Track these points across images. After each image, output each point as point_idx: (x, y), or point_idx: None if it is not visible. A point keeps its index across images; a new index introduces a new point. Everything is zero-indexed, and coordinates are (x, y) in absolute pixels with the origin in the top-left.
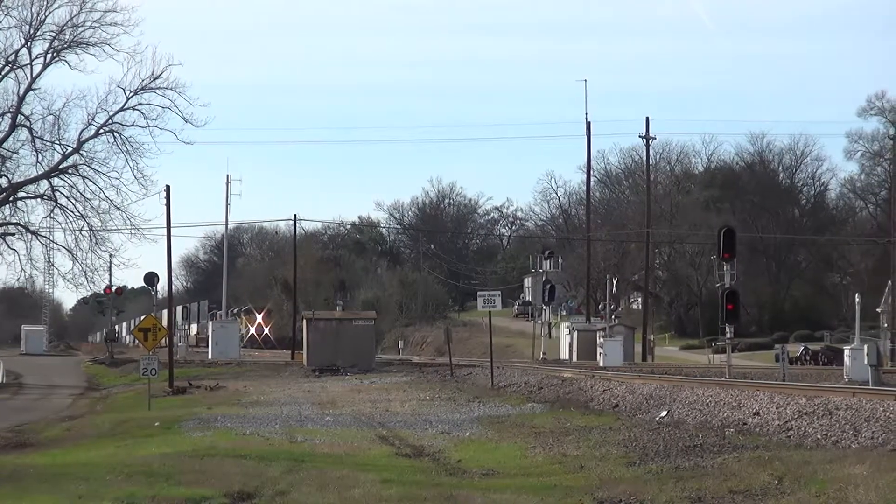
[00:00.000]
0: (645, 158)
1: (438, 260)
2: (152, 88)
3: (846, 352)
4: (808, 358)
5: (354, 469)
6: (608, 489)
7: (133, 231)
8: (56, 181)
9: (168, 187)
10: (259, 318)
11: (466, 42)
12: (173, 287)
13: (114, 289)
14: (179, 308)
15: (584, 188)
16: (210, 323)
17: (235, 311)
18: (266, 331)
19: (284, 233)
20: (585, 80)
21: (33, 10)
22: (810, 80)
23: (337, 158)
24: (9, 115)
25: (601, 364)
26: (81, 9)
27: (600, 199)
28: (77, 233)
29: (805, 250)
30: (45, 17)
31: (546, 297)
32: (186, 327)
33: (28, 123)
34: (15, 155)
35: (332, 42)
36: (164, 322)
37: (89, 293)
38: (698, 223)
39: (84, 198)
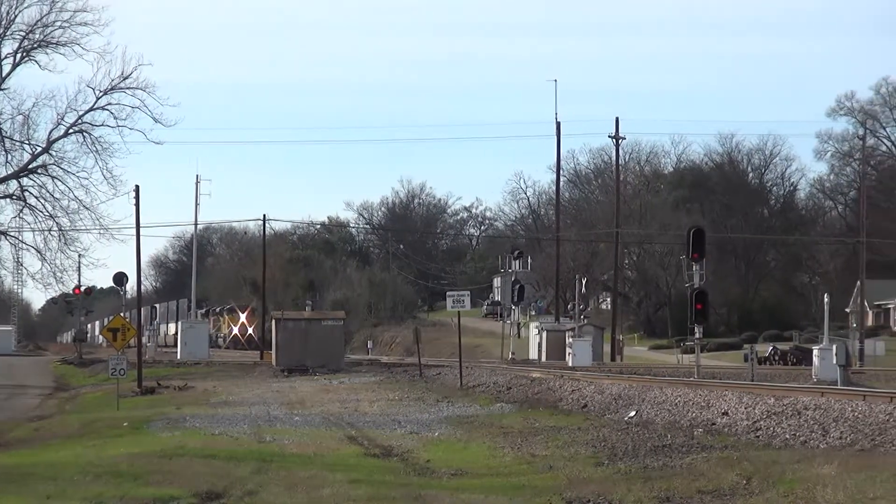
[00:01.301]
0: (614, 158)
1: (408, 260)
2: (122, 88)
3: (815, 352)
4: (776, 358)
5: (323, 469)
6: (577, 489)
7: (102, 231)
8: (25, 181)
9: (137, 187)
10: (243, 317)
11: (436, 42)
12: (142, 287)
13: (83, 289)
14: (152, 307)
15: (554, 188)
16: (179, 323)
17: (218, 309)
18: (250, 330)
19: (254, 233)
20: (555, 80)
21: (3, 9)
22: (780, 80)
23: (306, 158)
24: None
25: (570, 364)
26: (52, 8)
27: (570, 199)
28: (46, 233)
29: (774, 250)
30: (15, 16)
31: (515, 297)
32: (156, 327)
33: None
34: None
35: (301, 42)
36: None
37: (58, 293)
38: (667, 223)
39: (53, 198)
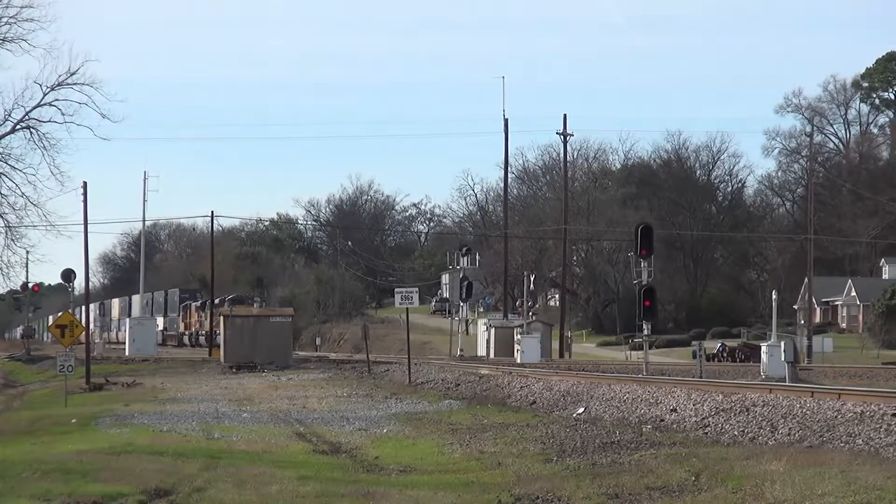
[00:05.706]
0: (562, 155)
1: (356, 257)
2: (69, 84)
3: (763, 348)
4: (725, 355)
5: (272, 466)
6: (525, 486)
7: (50, 227)
8: None
9: (85, 184)
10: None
11: (383, 39)
12: (91, 284)
13: (30, 285)
14: (101, 303)
15: (502, 185)
16: (128, 319)
17: (217, 301)
18: None
19: (202, 229)
20: (503, 77)
21: None
22: (728, 78)
23: (255, 155)
24: None
25: (518, 361)
26: None
27: (518, 196)
28: None
29: (722, 247)
30: None
31: (463, 294)
32: (101, 324)
33: None
34: None
35: (249, 39)
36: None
37: (6, 290)
38: (615, 220)
39: (0, 194)
